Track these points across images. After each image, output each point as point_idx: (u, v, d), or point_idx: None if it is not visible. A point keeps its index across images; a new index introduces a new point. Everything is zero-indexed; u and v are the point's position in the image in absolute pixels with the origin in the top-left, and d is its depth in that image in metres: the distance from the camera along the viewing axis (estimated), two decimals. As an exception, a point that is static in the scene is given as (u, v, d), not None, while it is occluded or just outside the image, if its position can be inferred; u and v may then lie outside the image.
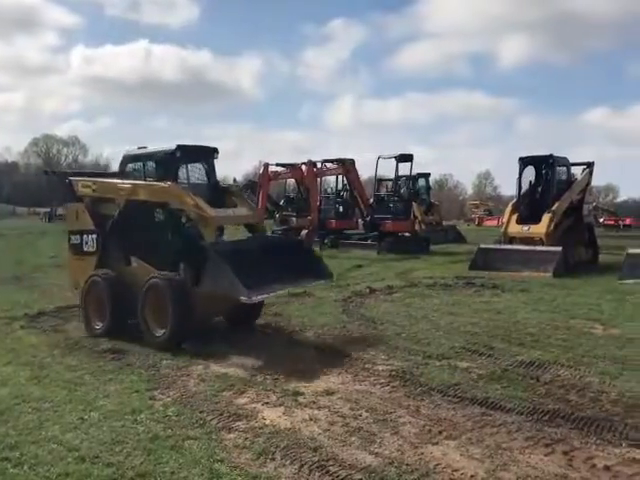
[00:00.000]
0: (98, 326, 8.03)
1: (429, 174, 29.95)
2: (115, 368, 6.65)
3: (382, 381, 6.12)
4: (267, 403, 5.51)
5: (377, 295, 11.66)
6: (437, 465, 4.22)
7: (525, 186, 16.84)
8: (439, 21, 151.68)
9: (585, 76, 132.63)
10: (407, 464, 4.22)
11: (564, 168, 16.96)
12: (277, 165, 23.16)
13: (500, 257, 15.06)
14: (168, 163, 8.31)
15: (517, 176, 16.81)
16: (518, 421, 5.02)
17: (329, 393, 5.75)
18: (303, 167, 22.31)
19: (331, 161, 22.76)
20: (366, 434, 4.77)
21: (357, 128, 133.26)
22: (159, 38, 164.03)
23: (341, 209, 24.56)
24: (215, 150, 8.81)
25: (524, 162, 16.68)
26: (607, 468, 4.15)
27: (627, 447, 4.49)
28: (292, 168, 22.88)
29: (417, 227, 24.82)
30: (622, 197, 71.16)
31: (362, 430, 4.85)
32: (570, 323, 8.87)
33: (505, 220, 16.66)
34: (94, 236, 8.40)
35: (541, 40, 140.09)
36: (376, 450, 4.48)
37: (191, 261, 7.45)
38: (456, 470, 4.14)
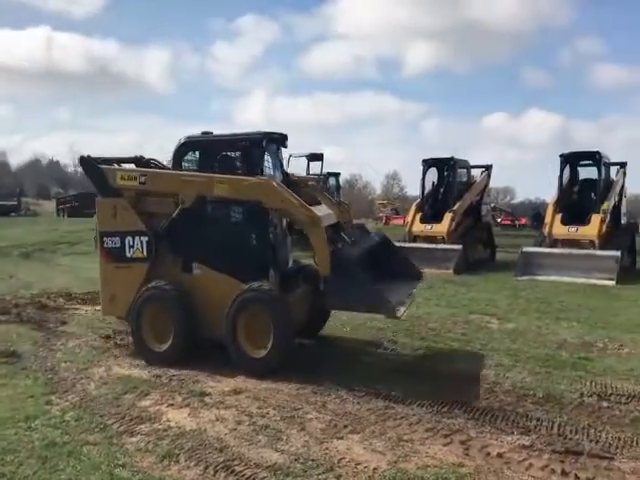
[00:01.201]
0: (159, 349, 6.64)
1: (339, 173, 30.36)
2: (8, 372, 6.29)
3: (290, 378, 6.16)
4: (172, 405, 5.41)
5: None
6: (341, 459, 4.31)
7: (428, 187, 17.49)
8: (347, 23, 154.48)
9: (485, 83, 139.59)
10: (312, 459, 4.28)
11: (464, 170, 17.76)
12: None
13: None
14: (252, 152, 6.88)
15: (421, 177, 17.45)
16: (419, 413, 5.22)
17: (237, 392, 5.72)
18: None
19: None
20: (273, 432, 4.79)
21: (269, 125, 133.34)
22: (62, 26, 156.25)
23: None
24: (287, 137, 7.39)
25: (427, 164, 17.32)
26: (500, 455, 4.39)
27: (518, 435, 4.78)
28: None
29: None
30: (519, 198, 75.39)
31: (269, 428, 4.86)
32: (469, 318, 9.30)
33: (409, 219, 17.21)
34: (144, 239, 6.75)
35: (445, 48, 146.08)
36: (282, 447, 4.51)
37: (281, 269, 6.83)
38: (359, 463, 4.25)
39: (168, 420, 5.03)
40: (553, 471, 4.14)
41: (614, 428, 4.87)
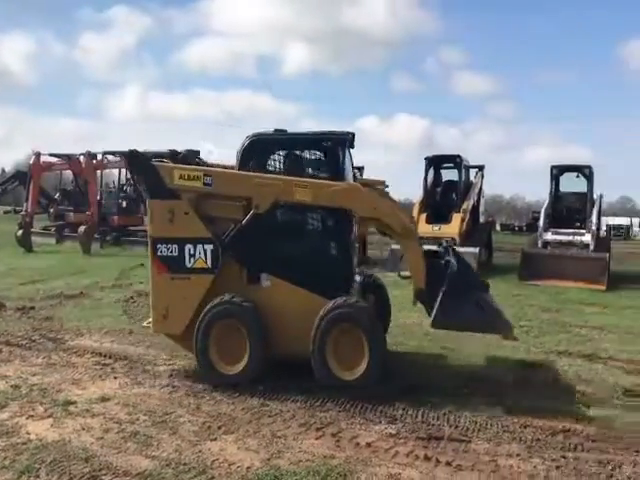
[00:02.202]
0: (230, 371, 5.91)
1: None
2: None
3: (163, 382, 6.01)
4: (32, 416, 5.06)
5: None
6: (214, 461, 4.28)
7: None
8: (224, 20, 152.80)
9: (358, 86, 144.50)
10: (184, 463, 4.21)
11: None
12: (51, 155, 21.34)
13: None
14: (336, 153, 6.23)
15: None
16: (293, 409, 5.31)
17: (104, 399, 5.48)
18: (81, 158, 20.87)
19: (112, 153, 21.59)
20: (143, 438, 4.64)
21: (144, 120, 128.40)
22: None
23: (124, 204, 23.42)
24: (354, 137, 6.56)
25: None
26: (369, 445, 4.58)
27: (386, 424, 5.01)
28: (69, 159, 21.26)
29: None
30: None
31: (139, 434, 4.71)
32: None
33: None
34: (208, 247, 5.98)
35: (321, 51, 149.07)
36: (153, 453, 4.39)
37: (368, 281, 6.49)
38: (233, 463, 4.24)
39: (28, 433, 4.71)
40: (417, 457, 4.38)
41: (472, 413, 5.24)
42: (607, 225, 41.96)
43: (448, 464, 4.26)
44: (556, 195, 16.56)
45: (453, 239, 15.59)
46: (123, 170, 22.72)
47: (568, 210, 16.44)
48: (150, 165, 6.12)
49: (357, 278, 6.75)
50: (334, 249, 6.19)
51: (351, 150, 6.48)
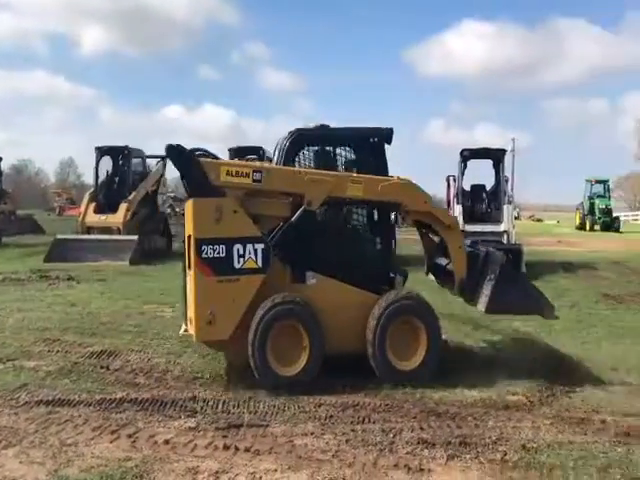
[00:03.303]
0: (288, 373, 5.61)
1: (0, 158, 26.85)
2: None
3: None
4: None
5: None
6: (-9, 479, 3.87)
7: (103, 176, 16.85)
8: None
9: (161, 73, 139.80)
10: (-47, 488, 3.75)
11: (139, 160, 17.57)
12: None
13: (77, 247, 14.70)
14: (381, 149, 6.23)
15: (94, 165, 16.73)
16: (86, 413, 4.99)
17: None
18: None
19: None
20: None
21: None
22: None
23: None
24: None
25: (101, 152, 16.68)
26: (167, 442, 4.46)
27: (185, 418, 4.94)
28: None
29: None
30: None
31: None
32: (144, 309, 9.27)
33: (82, 210, 16.37)
34: (259, 246, 5.60)
35: (117, 33, 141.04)
36: None
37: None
38: (14, 479, 3.87)
39: None
40: (216, 447, 4.39)
41: (270, 397, 5.40)
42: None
43: (247, 450, 4.34)
44: None
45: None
46: None
47: None
48: (195, 160, 5.72)
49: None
50: (378, 244, 6.29)
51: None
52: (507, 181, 15.38)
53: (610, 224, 31.98)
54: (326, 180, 5.90)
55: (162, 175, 18.36)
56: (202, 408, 5.15)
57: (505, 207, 14.28)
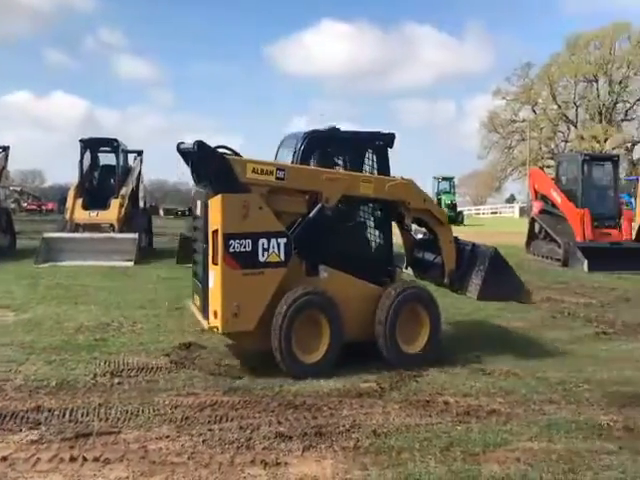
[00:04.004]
0: (310, 360, 6.02)
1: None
2: None
3: None
4: None
5: None
6: None
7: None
8: None
9: (7, 57, 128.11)
10: None
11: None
12: None
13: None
14: (385, 151, 6.80)
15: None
16: None
17: None
18: None
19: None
20: None
21: None
22: None
23: None
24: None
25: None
26: (4, 459, 4.10)
27: (27, 431, 4.57)
28: None
29: None
30: (49, 182, 72.63)
31: None
32: (-20, 314, 8.45)
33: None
34: (282, 240, 5.91)
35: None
36: None
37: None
38: None
39: None
40: (62, 460, 4.11)
41: (123, 402, 5.17)
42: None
43: (96, 460, 4.10)
44: None
45: (112, 225, 15.27)
46: None
47: None
48: (222, 158, 5.92)
49: None
50: (381, 239, 6.79)
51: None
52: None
53: (455, 218, 34.45)
54: (342, 179, 6.35)
55: (4, 167, 16.93)
56: (47, 419, 4.80)
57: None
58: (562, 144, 52.90)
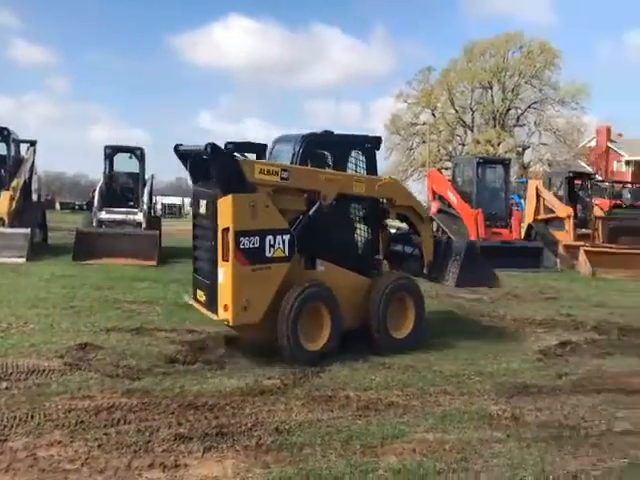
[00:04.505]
0: (313, 347, 6.44)
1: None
2: None
3: None
4: None
5: None
6: None
7: None
8: None
9: None
10: None
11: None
12: None
13: None
14: (373, 153, 7.38)
15: None
16: None
17: None
18: None
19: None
20: None
21: None
22: None
23: None
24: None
25: None
26: None
27: None
28: None
29: None
30: None
31: None
32: None
33: None
34: (286, 237, 6.26)
35: None
36: None
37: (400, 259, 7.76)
38: None
39: None
40: (-63, 474, 3.82)
41: (10, 408, 4.86)
42: (162, 204, 44.83)
43: (-22, 471, 3.85)
44: (110, 174, 16.90)
45: (2, 219, 14.33)
46: None
47: (122, 189, 17.01)
48: (232, 159, 6.26)
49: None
50: (370, 235, 7.33)
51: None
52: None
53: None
54: (338, 179, 6.85)
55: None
56: None
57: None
58: (459, 147, 55.32)
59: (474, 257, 8.07)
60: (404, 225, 8.07)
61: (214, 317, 6.37)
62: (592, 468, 4.21)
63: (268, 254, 6.21)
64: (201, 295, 6.78)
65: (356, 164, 7.26)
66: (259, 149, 13.99)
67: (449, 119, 55.60)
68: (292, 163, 6.82)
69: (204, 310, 6.68)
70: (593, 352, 7.37)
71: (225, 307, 6.13)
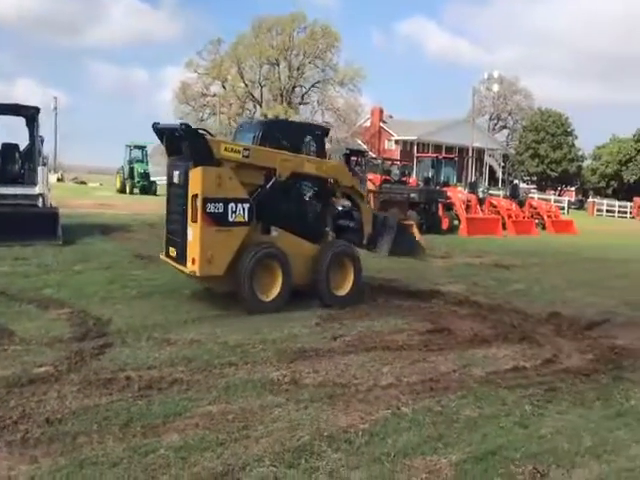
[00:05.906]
0: (266, 298, 7.75)
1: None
2: None
3: None
4: None
5: None
6: None
7: None
8: None
9: None
10: None
11: None
12: None
13: None
14: (322, 140, 9.06)
15: None
16: None
17: None
18: None
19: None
20: None
21: None
22: None
23: None
24: None
25: None
26: None
27: None
28: None
29: None
30: None
31: None
32: None
33: None
34: (246, 205, 7.52)
35: None
36: None
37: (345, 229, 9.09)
38: None
39: None
40: None
41: None
42: None
43: None
44: None
45: None
46: None
47: None
48: (203, 138, 7.36)
49: None
50: (318, 209, 8.57)
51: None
52: (42, 141, 14.57)
53: (149, 188, 33.91)
54: (291, 159, 8.09)
55: None
56: None
57: (40, 169, 13.46)
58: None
59: (404, 231, 10.32)
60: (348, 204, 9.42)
61: (184, 269, 7.51)
62: (360, 422, 4.60)
63: (230, 219, 7.40)
64: (172, 251, 7.94)
65: (308, 148, 8.80)
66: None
67: (239, 92, 55.87)
68: (253, 144, 8.23)
69: (175, 264, 7.85)
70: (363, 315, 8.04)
71: (193, 260, 7.30)
